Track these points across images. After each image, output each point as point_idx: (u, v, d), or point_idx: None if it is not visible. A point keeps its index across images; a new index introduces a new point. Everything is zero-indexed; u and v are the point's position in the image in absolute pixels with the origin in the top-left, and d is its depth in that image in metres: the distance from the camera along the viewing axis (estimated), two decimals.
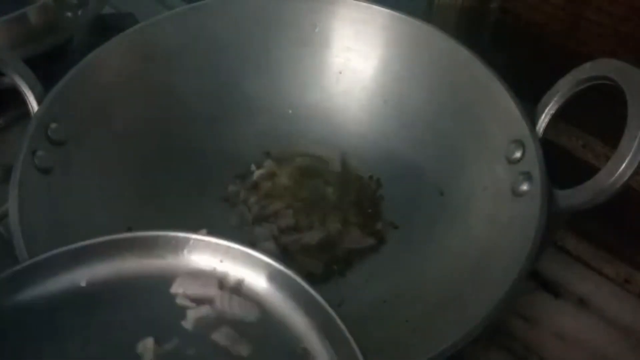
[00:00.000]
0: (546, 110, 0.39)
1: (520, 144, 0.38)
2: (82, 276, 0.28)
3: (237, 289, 0.28)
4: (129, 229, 0.42)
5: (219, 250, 0.28)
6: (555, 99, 0.39)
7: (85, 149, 0.42)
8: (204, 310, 0.28)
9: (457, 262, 0.40)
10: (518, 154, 0.38)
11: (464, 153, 0.44)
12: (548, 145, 0.38)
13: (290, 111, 0.52)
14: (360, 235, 0.45)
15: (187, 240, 0.29)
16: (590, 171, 0.35)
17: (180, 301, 0.28)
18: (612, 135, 0.35)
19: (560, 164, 0.37)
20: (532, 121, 0.39)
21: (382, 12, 0.47)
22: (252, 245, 0.43)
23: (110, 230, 0.41)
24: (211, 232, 0.29)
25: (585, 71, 0.37)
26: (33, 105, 0.40)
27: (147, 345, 0.26)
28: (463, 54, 0.43)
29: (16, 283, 0.27)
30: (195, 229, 0.45)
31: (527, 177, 0.37)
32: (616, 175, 0.33)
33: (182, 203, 0.47)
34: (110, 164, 0.43)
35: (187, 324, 0.27)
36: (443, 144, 0.46)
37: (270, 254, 0.28)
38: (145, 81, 0.46)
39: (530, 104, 0.39)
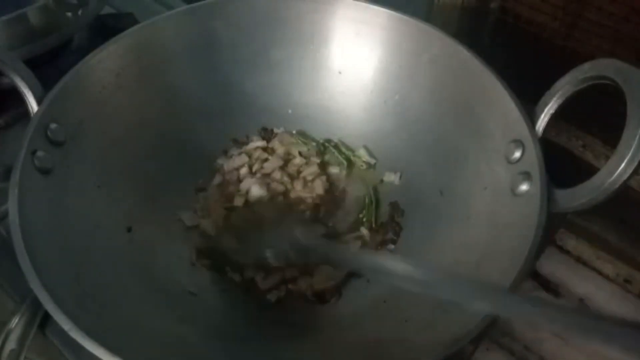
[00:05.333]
0: (546, 110, 0.39)
1: (519, 143, 0.38)
2: None
3: None
4: (129, 229, 0.43)
5: None
6: (554, 98, 0.38)
7: (84, 149, 0.42)
8: None
9: (456, 261, 0.40)
10: (518, 154, 0.38)
11: (464, 153, 0.44)
12: (548, 145, 0.38)
13: (290, 111, 0.52)
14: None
15: None
16: (590, 171, 0.35)
17: None
18: (612, 135, 0.35)
19: (560, 164, 0.37)
20: (532, 121, 0.39)
21: (382, 12, 0.47)
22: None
23: (110, 229, 0.41)
24: None
25: (585, 71, 0.37)
26: (33, 105, 0.40)
27: None
28: (463, 54, 0.43)
29: None
30: (194, 229, 0.46)
31: (527, 177, 0.37)
32: (616, 174, 0.33)
33: (181, 203, 0.47)
34: (109, 164, 0.43)
35: None
36: (443, 144, 0.46)
37: None
38: (144, 81, 0.46)
39: (530, 104, 0.39)
